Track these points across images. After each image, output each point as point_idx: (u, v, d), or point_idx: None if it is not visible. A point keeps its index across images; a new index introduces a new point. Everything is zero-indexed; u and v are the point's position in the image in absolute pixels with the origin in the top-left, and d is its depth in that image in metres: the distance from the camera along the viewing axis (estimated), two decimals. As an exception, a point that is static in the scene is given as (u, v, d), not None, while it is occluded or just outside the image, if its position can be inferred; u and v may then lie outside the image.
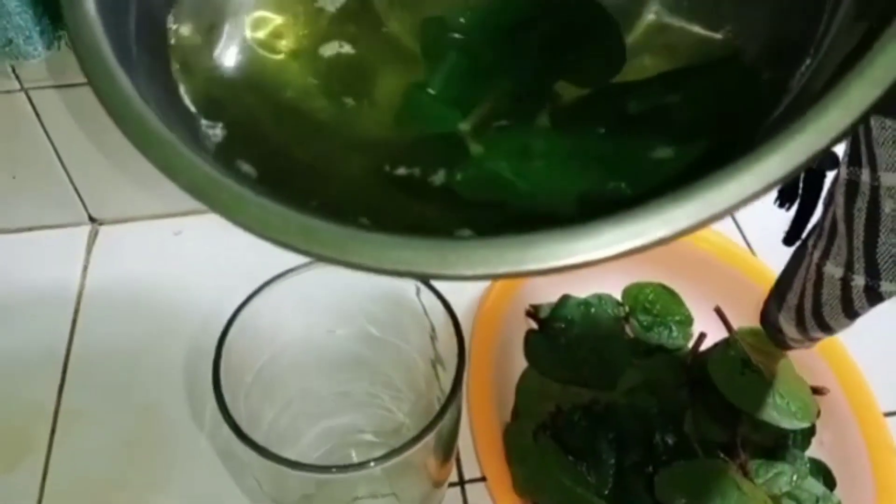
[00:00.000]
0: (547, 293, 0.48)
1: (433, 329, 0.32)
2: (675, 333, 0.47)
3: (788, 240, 0.28)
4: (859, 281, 0.24)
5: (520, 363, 0.46)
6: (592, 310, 0.47)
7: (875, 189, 0.22)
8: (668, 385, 0.43)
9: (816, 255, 0.25)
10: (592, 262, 0.18)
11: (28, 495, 0.41)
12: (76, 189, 0.52)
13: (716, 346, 0.44)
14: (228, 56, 0.25)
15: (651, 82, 0.25)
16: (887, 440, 0.42)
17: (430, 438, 0.27)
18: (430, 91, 0.25)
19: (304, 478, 0.27)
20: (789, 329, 0.29)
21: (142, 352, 0.47)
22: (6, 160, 0.50)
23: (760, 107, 0.22)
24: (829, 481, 0.42)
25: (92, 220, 0.53)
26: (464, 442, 0.43)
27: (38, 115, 0.49)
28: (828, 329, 0.27)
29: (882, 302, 0.24)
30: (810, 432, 0.43)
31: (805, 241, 0.26)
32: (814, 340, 0.29)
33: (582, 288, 0.48)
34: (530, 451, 0.40)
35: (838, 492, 0.41)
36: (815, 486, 0.41)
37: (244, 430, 0.27)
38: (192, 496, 0.41)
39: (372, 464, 0.25)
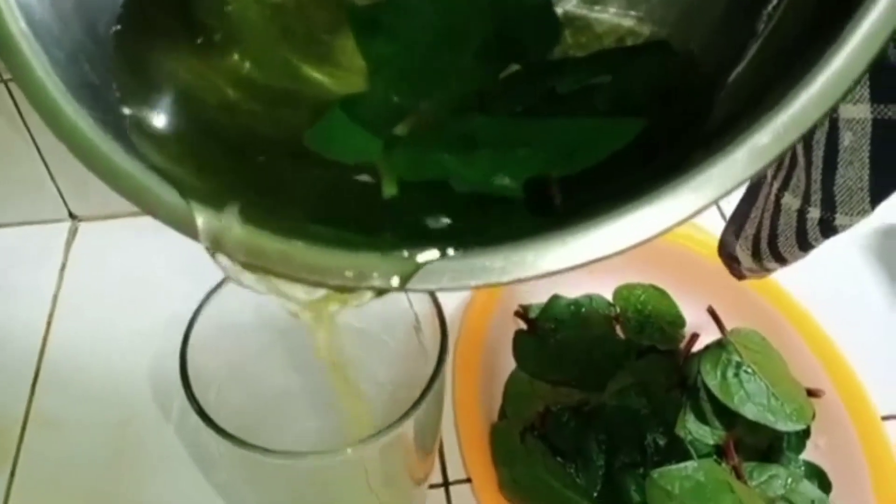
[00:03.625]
0: (537, 293, 0.47)
1: (418, 320, 0.31)
2: (667, 335, 0.46)
3: None
4: (815, 213, 0.24)
5: (508, 364, 0.45)
6: (583, 310, 0.46)
7: (834, 121, 0.22)
8: (660, 386, 0.42)
9: (776, 185, 0.25)
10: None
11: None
12: (56, 184, 0.51)
13: (708, 347, 0.43)
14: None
15: (591, 59, 0.24)
16: (884, 443, 0.41)
17: (409, 427, 0.25)
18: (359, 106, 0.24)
19: (277, 468, 0.26)
20: (745, 259, 0.29)
21: (119, 356, 0.45)
22: (-15, 154, 0.49)
23: (721, 60, 0.21)
24: (825, 485, 0.40)
25: (72, 216, 0.52)
26: (449, 442, 0.42)
27: (17, 107, 0.48)
28: (782, 260, 0.27)
29: (835, 234, 0.24)
30: (805, 435, 0.42)
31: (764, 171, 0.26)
32: (768, 271, 0.29)
33: (572, 288, 0.47)
34: (517, 451, 0.39)
35: (834, 496, 0.40)
36: (811, 490, 0.39)
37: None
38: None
39: (349, 450, 0.24)
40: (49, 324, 0.47)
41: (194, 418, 0.26)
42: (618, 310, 0.46)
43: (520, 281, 0.18)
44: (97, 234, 0.52)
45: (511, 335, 0.46)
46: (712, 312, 0.43)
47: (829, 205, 0.23)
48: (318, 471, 0.26)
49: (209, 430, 0.24)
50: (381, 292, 0.19)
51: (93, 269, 0.50)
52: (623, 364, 0.44)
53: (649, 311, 0.46)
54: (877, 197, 0.22)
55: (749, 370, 0.41)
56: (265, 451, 0.24)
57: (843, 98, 0.16)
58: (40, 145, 0.49)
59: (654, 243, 0.54)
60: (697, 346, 0.44)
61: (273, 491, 0.29)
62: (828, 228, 0.24)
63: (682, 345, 0.45)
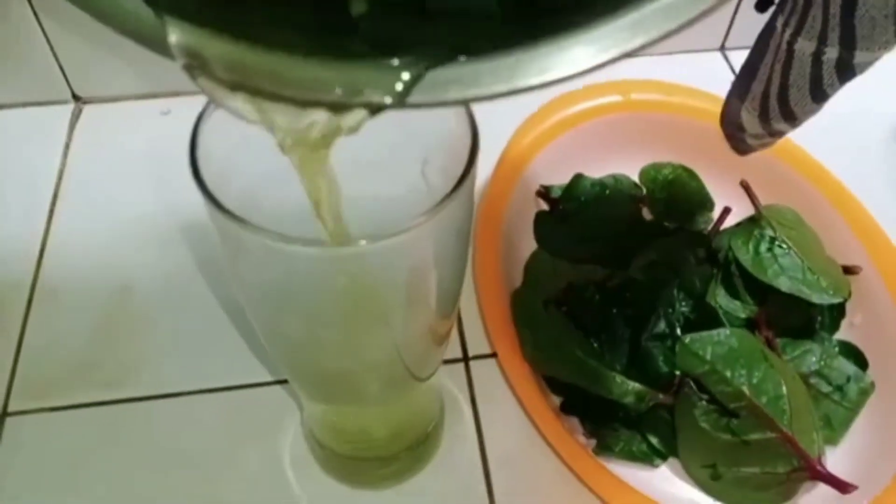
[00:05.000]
0: (558, 174, 0.45)
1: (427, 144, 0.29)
2: (694, 217, 0.44)
3: (761, 4, 0.25)
4: (832, 54, 0.22)
5: (529, 246, 0.43)
6: (607, 191, 0.44)
7: None
8: (689, 261, 0.40)
9: (788, 32, 0.23)
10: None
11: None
12: (60, 66, 0.49)
13: (739, 224, 0.41)
14: None
15: None
16: (924, 320, 0.39)
17: (429, 231, 0.23)
18: None
19: (288, 260, 0.23)
20: (751, 123, 0.27)
21: (123, 233, 0.44)
22: (-12, 34, 0.47)
23: None
24: (861, 362, 0.39)
25: (76, 98, 0.50)
26: (469, 317, 0.41)
27: (21, -12, 0.46)
28: (792, 118, 0.25)
29: (853, 78, 0.22)
30: (840, 314, 0.40)
31: (773, 23, 0.24)
32: (775, 136, 0.27)
33: (596, 169, 0.45)
34: (540, 317, 0.37)
35: (871, 373, 0.38)
36: (846, 366, 0.38)
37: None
38: (165, 375, 0.39)
39: (363, 242, 0.22)
40: (54, 201, 0.45)
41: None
42: (644, 191, 0.44)
43: (532, 88, 0.16)
44: (100, 116, 0.50)
45: (531, 219, 0.44)
46: (746, 187, 0.41)
47: (848, 41, 0.21)
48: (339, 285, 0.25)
49: (220, 215, 0.22)
50: (376, 110, 0.17)
51: (97, 150, 0.48)
52: (649, 243, 0.42)
53: (677, 191, 0.44)
54: None
55: (783, 245, 0.39)
56: (294, 240, 0.21)
57: None
58: (45, 25, 0.47)
59: (684, 122, 0.50)
60: (728, 224, 0.42)
61: (287, 321, 0.27)
62: (845, 69, 0.22)
63: (712, 224, 0.43)
